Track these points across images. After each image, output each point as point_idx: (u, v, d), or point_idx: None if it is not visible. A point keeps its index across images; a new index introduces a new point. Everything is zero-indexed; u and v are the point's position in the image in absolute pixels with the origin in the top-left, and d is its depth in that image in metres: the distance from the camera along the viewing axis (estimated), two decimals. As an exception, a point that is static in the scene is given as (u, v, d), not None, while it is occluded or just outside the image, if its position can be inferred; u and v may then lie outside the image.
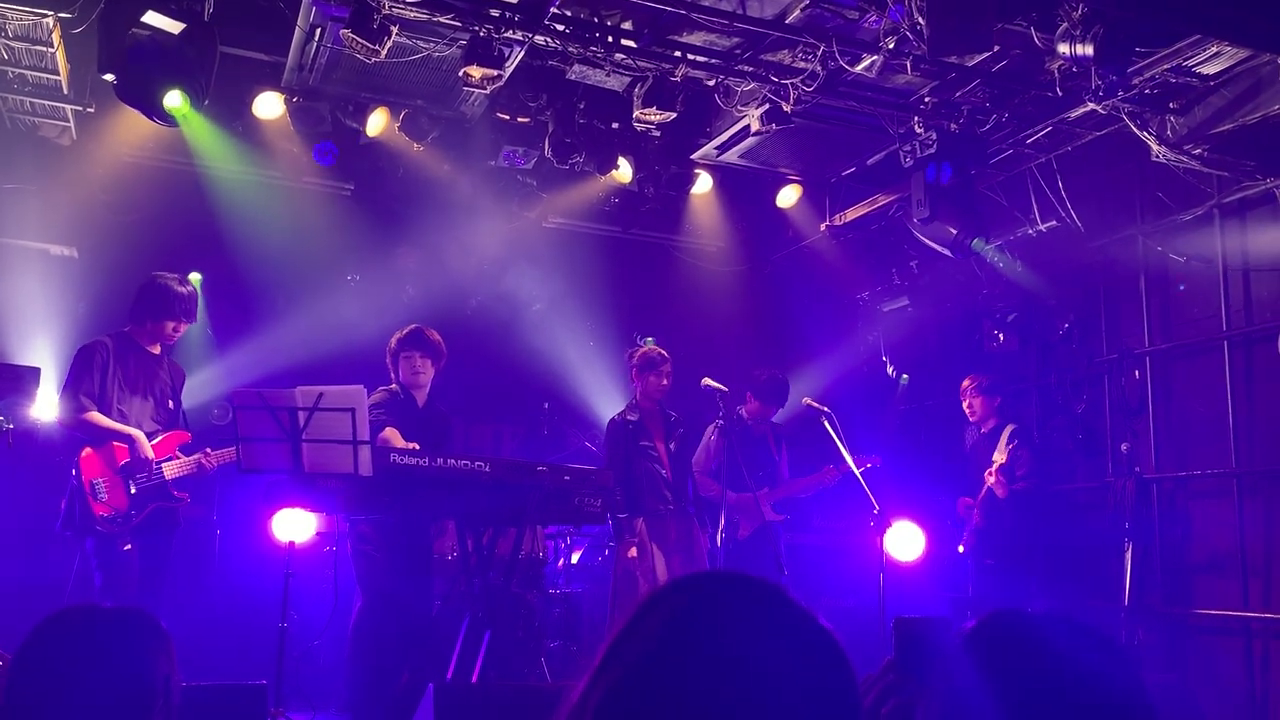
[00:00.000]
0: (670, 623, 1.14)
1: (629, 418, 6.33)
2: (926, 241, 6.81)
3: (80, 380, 5.14)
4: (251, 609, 6.56)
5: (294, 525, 5.75)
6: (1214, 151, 6.08)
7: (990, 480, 6.62)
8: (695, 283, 9.02)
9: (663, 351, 6.41)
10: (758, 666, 1.10)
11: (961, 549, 6.94)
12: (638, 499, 6.14)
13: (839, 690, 1.15)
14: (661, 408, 6.40)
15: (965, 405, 7.06)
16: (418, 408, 5.74)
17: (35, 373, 6.05)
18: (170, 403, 5.44)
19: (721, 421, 6.22)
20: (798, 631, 1.16)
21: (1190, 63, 5.64)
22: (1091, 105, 5.85)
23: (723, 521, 6.09)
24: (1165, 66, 5.62)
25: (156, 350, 5.43)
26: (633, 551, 6.04)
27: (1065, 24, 5.11)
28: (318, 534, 6.38)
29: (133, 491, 5.06)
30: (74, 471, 5.04)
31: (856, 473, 6.03)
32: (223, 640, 6.36)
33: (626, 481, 6.11)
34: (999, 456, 6.71)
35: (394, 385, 5.75)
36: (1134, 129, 6.06)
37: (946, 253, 6.72)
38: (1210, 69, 5.73)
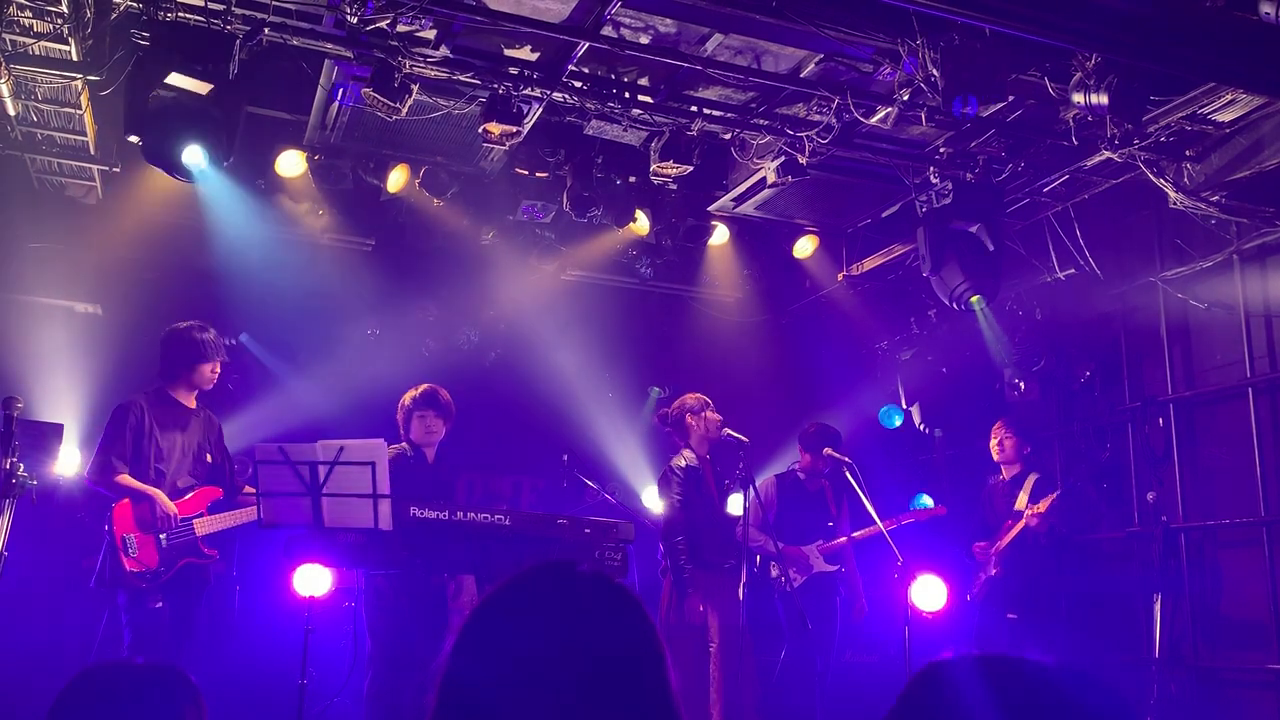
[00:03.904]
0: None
1: (685, 465, 6.32)
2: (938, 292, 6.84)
3: (114, 442, 5.19)
4: (271, 665, 6.50)
5: (313, 580, 5.73)
6: (1232, 198, 6.07)
7: (1022, 525, 6.49)
8: (713, 333, 9.02)
9: (703, 395, 6.48)
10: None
11: (969, 598, 6.82)
12: (696, 547, 6.12)
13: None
14: (720, 452, 6.40)
15: (995, 443, 6.95)
16: (428, 464, 5.78)
17: (58, 429, 6.10)
18: (208, 456, 5.47)
19: (741, 470, 6.17)
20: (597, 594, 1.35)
21: (1205, 110, 5.66)
22: (1107, 153, 5.87)
23: (744, 575, 6.00)
24: (1180, 114, 5.64)
25: (192, 403, 5.47)
26: (700, 604, 6.02)
27: (1079, 74, 5.14)
28: (337, 589, 6.35)
29: (164, 547, 5.06)
30: (107, 526, 5.05)
31: (879, 525, 5.95)
32: (243, 697, 6.30)
33: (689, 530, 6.12)
34: (1024, 502, 6.62)
35: (404, 444, 5.78)
36: (1150, 177, 6.06)
37: (950, 305, 6.76)
38: (1226, 116, 5.75)
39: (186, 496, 5.25)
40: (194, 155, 5.22)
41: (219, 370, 5.52)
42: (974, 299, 6.62)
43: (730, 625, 6.00)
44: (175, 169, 5.28)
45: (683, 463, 6.34)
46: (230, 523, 5.33)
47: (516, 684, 1.23)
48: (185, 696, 1.92)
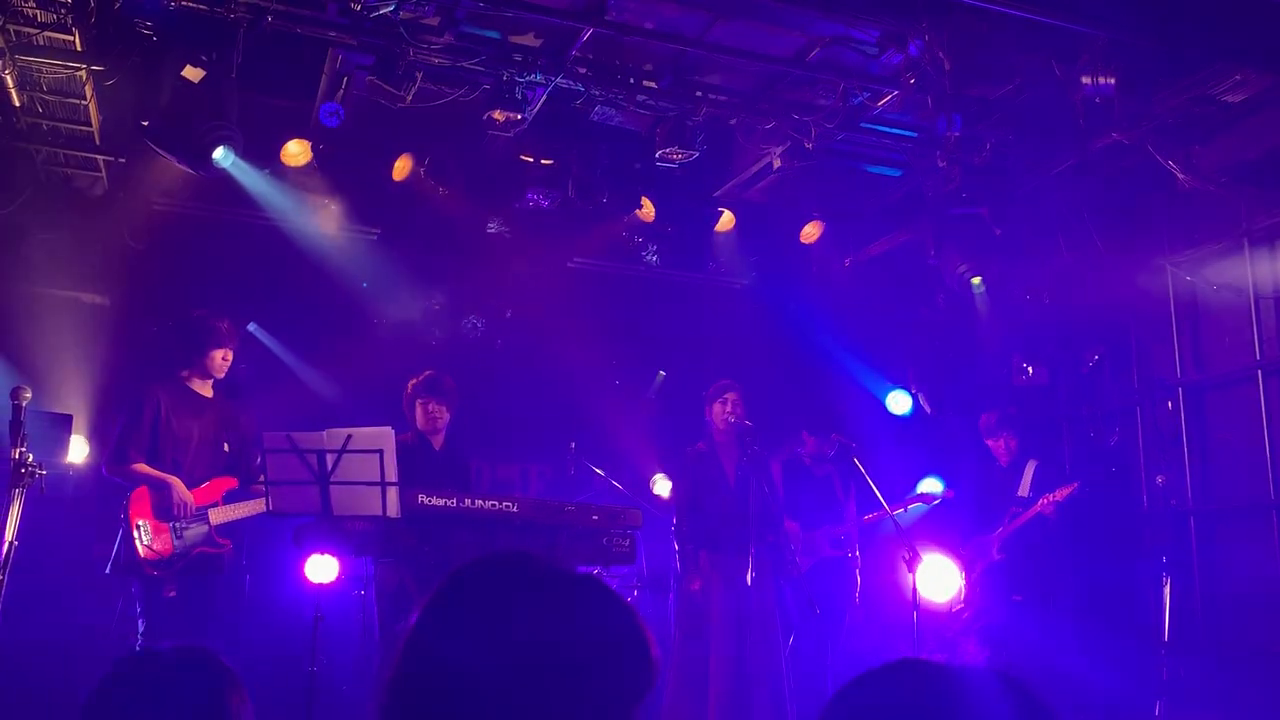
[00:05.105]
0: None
1: (699, 448, 6.32)
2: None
3: (130, 431, 5.20)
4: (282, 652, 6.53)
5: (322, 567, 5.75)
6: (1240, 179, 6.05)
7: (1035, 511, 6.47)
8: (719, 319, 9.00)
9: (728, 380, 6.40)
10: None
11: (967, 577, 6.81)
12: (705, 531, 6.10)
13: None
14: (738, 438, 6.24)
15: (1002, 447, 6.88)
16: (434, 451, 5.78)
17: (67, 420, 6.12)
18: (225, 445, 5.47)
19: (750, 456, 6.14)
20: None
21: (1214, 91, 5.63)
22: (1115, 135, 5.84)
23: (751, 561, 6.00)
24: (1188, 95, 5.61)
25: (208, 393, 5.48)
26: (697, 584, 6.01)
27: (1087, 56, 5.11)
28: (347, 576, 6.37)
29: (178, 535, 5.08)
30: (122, 514, 5.07)
31: (887, 509, 5.94)
32: (253, 684, 6.29)
33: (694, 513, 6.12)
34: (1027, 489, 6.60)
35: (408, 432, 5.79)
36: (1159, 159, 6.03)
37: (954, 288, 6.75)
38: (1234, 97, 5.71)
39: (201, 486, 5.26)
40: (219, 152, 5.26)
41: (230, 359, 5.52)
42: (975, 280, 6.61)
43: (736, 609, 5.99)
44: (181, 155, 5.28)
45: (697, 447, 6.36)
46: (245, 512, 5.34)
47: (476, 661, 1.24)
48: (223, 680, 1.92)
